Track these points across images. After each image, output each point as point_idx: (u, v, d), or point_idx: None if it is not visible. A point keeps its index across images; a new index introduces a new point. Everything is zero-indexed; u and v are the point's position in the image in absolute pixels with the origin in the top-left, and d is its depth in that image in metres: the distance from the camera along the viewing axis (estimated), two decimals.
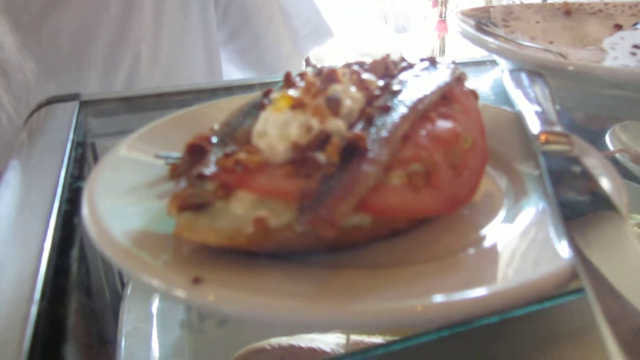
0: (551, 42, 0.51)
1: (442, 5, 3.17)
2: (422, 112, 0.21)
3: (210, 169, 0.18)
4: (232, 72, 0.84)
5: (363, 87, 0.23)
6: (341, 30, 3.26)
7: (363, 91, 0.22)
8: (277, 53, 0.84)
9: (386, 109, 0.21)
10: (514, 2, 0.56)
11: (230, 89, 0.56)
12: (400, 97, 0.22)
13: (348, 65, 0.27)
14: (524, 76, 0.32)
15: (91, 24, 0.70)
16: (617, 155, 0.54)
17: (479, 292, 0.15)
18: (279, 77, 0.25)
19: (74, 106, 0.40)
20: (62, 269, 0.21)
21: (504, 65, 0.41)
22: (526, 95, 0.29)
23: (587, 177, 0.20)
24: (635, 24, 0.47)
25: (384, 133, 0.19)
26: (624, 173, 0.51)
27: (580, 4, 0.58)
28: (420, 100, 0.22)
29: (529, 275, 0.16)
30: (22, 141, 0.37)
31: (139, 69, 0.72)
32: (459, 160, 0.21)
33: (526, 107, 0.27)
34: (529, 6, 0.57)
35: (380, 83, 0.24)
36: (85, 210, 0.19)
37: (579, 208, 0.18)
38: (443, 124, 0.21)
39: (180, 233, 0.17)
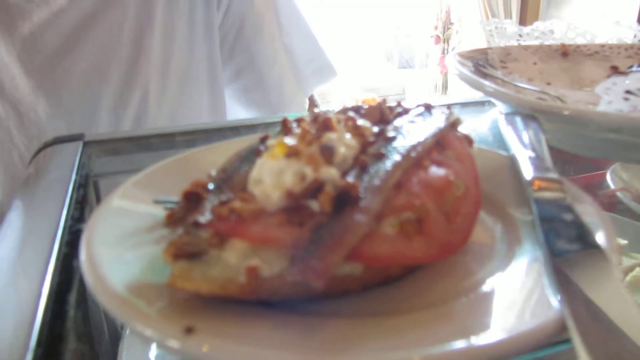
0: (548, 84, 0.52)
1: (444, 42, 3.22)
2: (416, 159, 0.22)
3: (205, 217, 0.18)
4: (236, 110, 0.86)
5: (358, 134, 0.23)
6: (346, 67, 3.32)
7: (358, 138, 0.23)
8: (281, 92, 0.86)
9: (380, 157, 0.21)
10: (514, 43, 0.58)
11: (234, 129, 0.57)
12: (394, 144, 0.23)
13: (344, 111, 0.27)
14: (518, 120, 0.32)
15: (102, 65, 0.72)
16: (619, 194, 0.55)
17: (472, 342, 0.16)
18: (283, 115, 0.25)
19: (77, 146, 0.41)
20: (60, 314, 0.21)
21: (501, 107, 0.42)
22: (520, 139, 0.29)
23: (579, 225, 0.20)
24: (631, 66, 0.48)
25: (376, 181, 0.20)
26: (626, 211, 0.51)
27: (577, 46, 0.59)
28: (413, 148, 0.22)
29: (520, 327, 0.16)
30: (27, 180, 0.38)
31: (147, 107, 0.74)
32: (452, 208, 0.21)
33: (520, 151, 0.28)
34: (527, 47, 0.58)
35: (375, 129, 0.24)
36: (82, 257, 0.20)
37: (570, 257, 0.19)
38: (436, 171, 0.22)
39: (174, 283, 0.17)
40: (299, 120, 0.25)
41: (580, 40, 0.59)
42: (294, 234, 0.17)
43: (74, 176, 0.34)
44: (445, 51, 3.23)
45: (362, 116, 0.26)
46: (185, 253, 0.18)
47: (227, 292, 0.17)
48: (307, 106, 0.90)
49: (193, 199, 0.20)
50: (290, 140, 0.21)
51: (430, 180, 0.21)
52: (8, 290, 0.23)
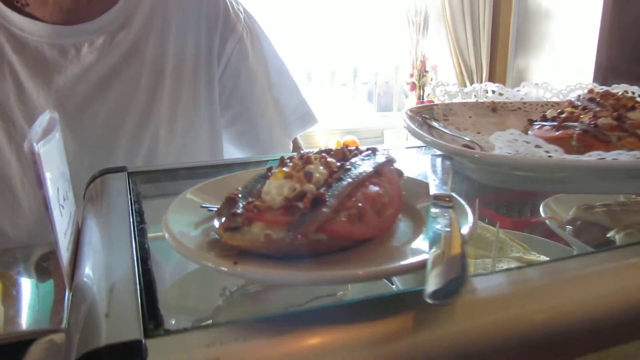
0: (479, 133, 0.68)
1: (420, 89, 3.42)
2: (361, 181, 0.37)
3: (239, 210, 0.33)
4: (231, 151, 1.00)
5: (327, 166, 0.38)
6: (329, 110, 3.48)
7: (327, 168, 0.38)
8: (270, 136, 1.00)
9: (339, 179, 0.37)
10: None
11: (230, 166, 0.72)
12: (349, 173, 0.38)
13: (320, 152, 0.42)
14: (439, 159, 0.48)
15: (121, 111, 0.86)
16: (547, 222, 0.70)
17: (390, 267, 0.30)
18: (270, 157, 0.40)
19: (124, 176, 0.55)
20: (147, 273, 0.35)
21: (435, 151, 0.57)
22: (436, 172, 0.45)
23: (450, 217, 0.35)
24: (536, 120, 0.64)
25: (336, 192, 0.35)
26: (553, 235, 0.66)
27: (504, 103, 0.76)
28: (360, 175, 0.37)
29: (411, 261, 0.31)
30: (87, 204, 0.51)
31: (157, 147, 0.88)
32: (381, 209, 0.36)
33: (433, 179, 0.43)
34: (465, 104, 0.74)
35: (338, 164, 0.39)
36: (166, 234, 0.34)
37: (440, 232, 0.34)
38: (372, 188, 0.37)
39: (224, 241, 0.32)
40: (290, 158, 0.40)
41: (507, 99, 0.76)
42: (289, 218, 0.32)
43: (130, 196, 0.49)
44: (421, 97, 3.44)
45: (331, 155, 0.41)
46: (229, 228, 0.32)
47: (253, 247, 0.32)
48: (291, 147, 1.06)
49: (231, 201, 0.35)
50: (286, 169, 0.36)
51: (368, 193, 0.36)
52: (115, 263, 0.37)
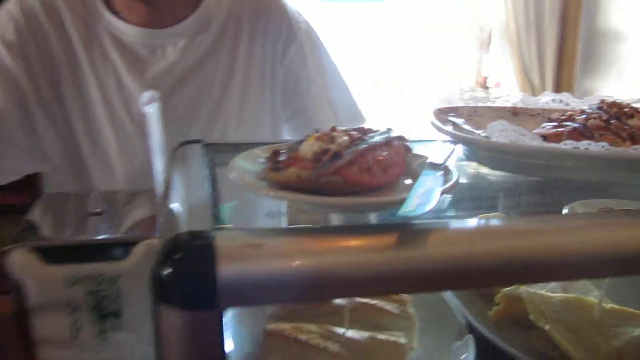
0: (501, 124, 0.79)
1: None
2: (372, 147, 0.51)
3: (282, 159, 0.48)
4: None
5: (349, 136, 0.52)
6: (393, 122, 3.60)
7: (349, 137, 0.52)
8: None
9: (356, 145, 0.50)
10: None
11: None
12: (365, 141, 0.51)
13: (347, 129, 0.56)
14: (444, 143, 0.61)
15: (196, 104, 1.03)
16: None
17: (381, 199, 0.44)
18: None
19: (199, 147, 0.71)
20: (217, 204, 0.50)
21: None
22: (439, 151, 0.58)
23: (435, 175, 0.48)
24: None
25: (351, 151, 0.48)
26: None
27: (525, 109, 0.87)
28: (372, 143, 0.51)
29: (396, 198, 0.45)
30: (171, 167, 0.67)
31: (226, 136, 1.04)
32: (385, 168, 0.50)
33: (434, 156, 0.56)
34: (489, 108, 0.86)
35: (358, 135, 0.53)
36: (231, 174, 0.49)
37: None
38: (381, 152, 0.51)
39: (270, 177, 0.46)
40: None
41: (528, 106, 0.87)
42: (315, 165, 0.46)
43: (206, 160, 0.64)
44: None
45: (354, 130, 0.55)
46: (273, 169, 0.47)
47: (288, 182, 0.46)
48: None
49: (276, 153, 0.49)
50: (317, 135, 0.50)
51: (376, 155, 0.50)
52: (193, 197, 0.53)
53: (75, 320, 0.52)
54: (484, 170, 0.97)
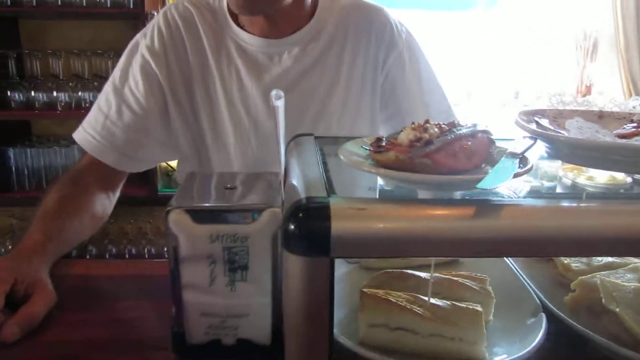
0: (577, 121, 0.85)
1: None
2: (459, 137, 0.60)
3: (383, 144, 0.58)
4: None
5: (440, 129, 0.62)
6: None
7: (439, 129, 0.62)
8: None
9: (445, 135, 0.60)
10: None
11: None
12: (453, 133, 0.61)
13: (438, 122, 0.66)
14: (525, 138, 0.69)
15: (305, 104, 1.16)
16: None
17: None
18: None
19: (312, 139, 0.83)
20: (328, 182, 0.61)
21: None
22: (519, 144, 0.66)
23: (512, 160, 0.57)
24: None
25: (441, 140, 0.58)
26: None
27: (612, 112, 0.91)
28: (460, 134, 0.61)
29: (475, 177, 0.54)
30: (290, 155, 0.80)
31: (329, 134, 1.16)
32: (469, 155, 0.59)
33: (514, 147, 0.64)
34: (575, 111, 0.91)
35: (447, 128, 0.63)
36: (341, 156, 0.61)
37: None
38: (466, 142, 0.60)
39: (373, 157, 0.57)
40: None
41: (615, 109, 0.90)
42: (410, 149, 0.57)
43: (316, 148, 0.76)
44: None
45: (445, 125, 0.65)
46: (376, 151, 0.58)
47: (388, 163, 0.57)
48: None
49: (379, 140, 0.60)
50: (413, 126, 0.61)
51: (462, 144, 0.59)
52: (309, 175, 0.65)
53: (212, 270, 0.66)
54: (581, 180, 1.03)
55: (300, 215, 0.52)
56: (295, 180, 0.63)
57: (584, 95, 3.39)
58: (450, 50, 3.37)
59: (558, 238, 0.52)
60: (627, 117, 0.91)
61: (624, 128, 0.77)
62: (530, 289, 0.77)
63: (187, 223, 0.63)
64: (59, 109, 2.58)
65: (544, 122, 0.85)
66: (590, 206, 0.56)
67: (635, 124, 0.76)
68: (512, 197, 0.64)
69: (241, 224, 0.64)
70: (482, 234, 0.51)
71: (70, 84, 2.62)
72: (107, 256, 2.72)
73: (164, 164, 2.67)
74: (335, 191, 0.56)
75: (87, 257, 2.69)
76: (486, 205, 0.53)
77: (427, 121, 0.62)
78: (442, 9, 3.52)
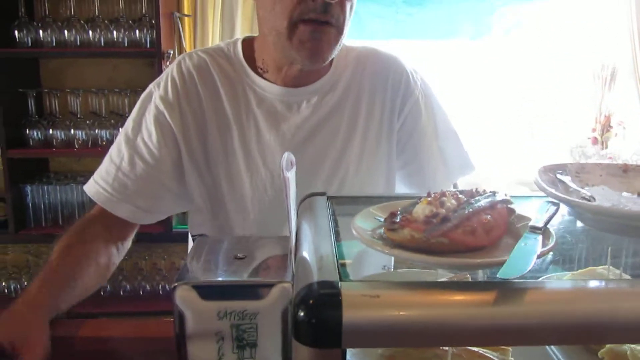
0: (603, 189, 0.82)
1: (602, 144, 3.33)
2: (477, 211, 0.57)
3: (397, 220, 0.56)
4: (401, 188, 1.23)
5: (457, 200, 0.59)
6: (503, 160, 3.54)
7: (457, 201, 0.59)
8: (434, 179, 1.22)
9: (463, 208, 0.57)
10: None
11: (396, 198, 0.95)
12: (471, 205, 0.58)
13: (454, 192, 0.63)
14: (547, 204, 0.66)
15: (324, 152, 1.14)
16: None
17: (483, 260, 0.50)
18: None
19: (324, 198, 0.81)
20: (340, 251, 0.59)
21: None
22: (541, 212, 0.63)
23: (535, 238, 0.54)
24: None
25: (458, 215, 0.56)
26: None
27: (637, 165, 0.88)
28: (477, 207, 0.58)
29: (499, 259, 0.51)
30: (301, 215, 0.78)
31: (347, 180, 1.14)
32: (488, 230, 0.56)
33: (536, 217, 0.61)
34: (599, 165, 0.88)
35: (465, 199, 0.60)
36: (354, 231, 0.58)
37: None
38: (485, 216, 0.57)
39: (387, 235, 0.55)
40: (436, 193, 0.62)
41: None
42: (426, 227, 0.54)
43: (328, 211, 0.74)
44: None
45: (462, 194, 0.62)
46: (390, 229, 0.55)
47: (403, 241, 0.54)
48: (452, 189, 1.26)
49: (392, 215, 0.58)
50: (429, 199, 0.58)
51: (481, 218, 0.56)
52: (321, 246, 0.62)
53: (220, 347, 0.63)
54: None
55: (311, 302, 0.49)
56: (306, 253, 0.60)
57: (603, 125, 3.34)
58: (465, 80, 3.35)
59: (596, 324, 0.48)
60: None
61: None
62: (555, 357, 0.73)
63: (194, 299, 0.61)
64: (76, 146, 2.60)
65: (566, 179, 0.82)
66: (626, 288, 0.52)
67: None
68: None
69: (250, 299, 0.62)
70: (510, 321, 0.48)
71: (88, 121, 2.64)
72: (122, 292, 2.71)
73: None
74: (347, 272, 0.53)
75: (102, 293, 2.67)
76: (511, 288, 0.50)
77: (443, 193, 0.60)
78: (454, 37, 3.49)
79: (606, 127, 3.37)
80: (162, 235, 2.59)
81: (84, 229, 1.09)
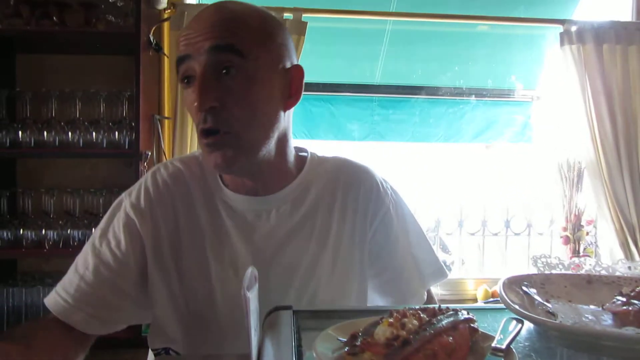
0: (570, 301, 0.82)
1: (574, 243, 3.38)
2: (439, 332, 0.57)
3: (358, 343, 0.55)
4: (374, 298, 1.21)
5: (419, 320, 0.59)
6: (479, 259, 3.56)
7: (418, 321, 0.59)
8: (408, 286, 1.21)
9: (424, 330, 0.57)
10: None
11: (364, 312, 0.93)
12: (432, 325, 0.58)
13: (417, 310, 0.63)
14: (512, 321, 0.66)
15: (296, 262, 1.11)
16: None
17: None
18: (402, 306, 0.61)
19: (290, 313, 0.80)
20: None
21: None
22: (505, 329, 0.63)
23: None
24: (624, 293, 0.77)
25: (419, 338, 0.55)
26: None
27: (600, 276, 0.89)
28: (439, 328, 0.58)
29: None
30: (267, 330, 0.76)
31: (319, 291, 1.11)
32: (451, 352, 0.56)
33: (500, 335, 0.61)
34: (563, 275, 0.89)
35: (427, 319, 0.60)
36: (314, 354, 0.57)
37: None
38: (447, 338, 0.57)
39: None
40: (397, 311, 0.61)
41: (603, 273, 0.88)
42: (387, 351, 0.53)
43: (292, 328, 0.73)
44: (576, 251, 3.38)
45: (424, 312, 0.62)
46: (350, 353, 0.54)
47: None
48: (426, 296, 1.25)
49: (353, 337, 0.57)
50: (390, 320, 0.58)
51: (442, 341, 0.56)
52: None
53: None
54: None
55: None
56: None
57: (574, 224, 3.40)
58: (443, 180, 3.44)
59: None
60: (615, 282, 0.89)
61: (614, 302, 0.75)
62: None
63: None
64: (47, 247, 2.55)
65: (531, 291, 0.82)
66: None
67: (624, 299, 0.73)
68: None
69: None
70: None
71: (60, 221, 2.61)
72: None
73: None
74: None
75: None
76: None
77: (404, 313, 0.59)
78: (428, 140, 3.61)
79: (577, 226, 3.43)
80: (130, 341, 2.48)
81: (40, 325, 1.04)
